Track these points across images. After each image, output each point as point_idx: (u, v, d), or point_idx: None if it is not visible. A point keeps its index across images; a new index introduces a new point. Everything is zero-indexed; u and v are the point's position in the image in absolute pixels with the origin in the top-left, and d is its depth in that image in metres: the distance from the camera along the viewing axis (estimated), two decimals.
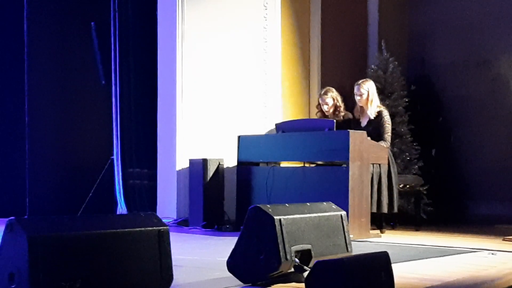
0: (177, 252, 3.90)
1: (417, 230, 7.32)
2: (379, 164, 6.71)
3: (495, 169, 8.46)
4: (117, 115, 8.37)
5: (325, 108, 7.45)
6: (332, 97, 7.44)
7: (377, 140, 6.83)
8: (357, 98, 7.12)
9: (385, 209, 6.75)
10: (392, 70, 8.35)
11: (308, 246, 3.66)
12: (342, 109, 7.47)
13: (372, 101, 7.08)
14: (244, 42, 7.88)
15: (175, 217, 7.55)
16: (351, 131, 6.37)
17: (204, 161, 7.20)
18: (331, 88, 7.56)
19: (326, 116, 7.45)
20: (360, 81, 7.18)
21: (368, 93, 7.07)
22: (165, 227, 3.25)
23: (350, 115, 7.45)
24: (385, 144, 6.89)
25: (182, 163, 7.55)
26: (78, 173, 8.45)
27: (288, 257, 3.48)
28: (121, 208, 8.28)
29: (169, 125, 7.69)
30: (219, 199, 7.30)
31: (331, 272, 2.89)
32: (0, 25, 8.34)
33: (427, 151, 8.54)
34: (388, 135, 6.98)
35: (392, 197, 6.85)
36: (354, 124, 7.20)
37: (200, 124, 7.65)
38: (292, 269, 3.56)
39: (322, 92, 7.55)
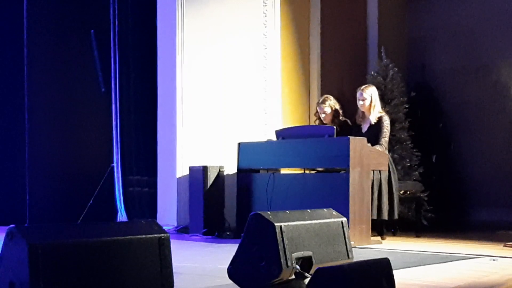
0: (178, 259, 3.89)
1: (418, 236, 7.30)
2: (380, 171, 6.71)
3: (496, 175, 8.46)
4: (117, 122, 8.38)
5: (322, 116, 7.45)
6: (330, 106, 7.43)
7: None
8: (360, 103, 7.12)
9: (385, 216, 6.74)
10: (392, 77, 8.35)
11: (309, 253, 3.65)
12: (341, 113, 7.47)
13: (374, 106, 7.09)
14: (244, 49, 7.89)
15: (175, 225, 7.55)
16: (351, 138, 6.36)
17: (205, 168, 7.20)
18: (329, 96, 7.55)
19: (324, 124, 7.43)
20: (363, 86, 7.20)
21: (371, 98, 7.08)
22: (165, 235, 3.25)
23: (348, 121, 7.45)
24: (380, 148, 6.87)
25: (182, 170, 7.54)
26: (78, 180, 8.44)
27: (289, 264, 3.47)
28: (122, 216, 8.27)
29: (169, 132, 7.69)
30: (219, 206, 7.29)
31: (332, 279, 2.88)
32: None
33: (428, 157, 8.54)
34: (385, 140, 6.97)
35: (393, 203, 6.84)
36: (355, 130, 7.20)
37: (200, 131, 7.65)
38: (293, 276, 3.55)
39: (320, 100, 7.54)
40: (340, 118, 7.45)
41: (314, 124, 7.79)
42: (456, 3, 8.98)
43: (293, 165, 7.00)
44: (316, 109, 7.60)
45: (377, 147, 6.84)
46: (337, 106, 7.47)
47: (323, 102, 7.47)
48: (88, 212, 8.06)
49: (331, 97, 7.52)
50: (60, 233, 2.93)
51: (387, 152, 6.99)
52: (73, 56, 8.60)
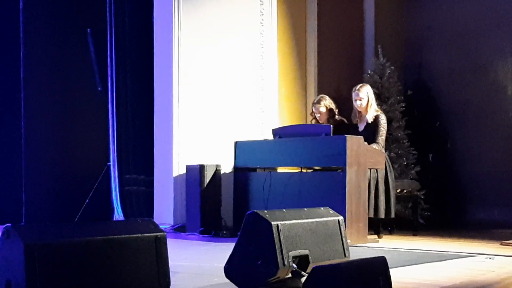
0: (175, 258, 3.89)
1: (414, 235, 7.31)
2: (376, 169, 6.71)
3: (492, 173, 8.46)
4: (114, 121, 8.37)
5: (318, 116, 7.45)
6: (325, 105, 7.43)
7: None
8: (357, 103, 7.10)
9: (382, 214, 6.75)
10: (388, 75, 8.36)
11: (306, 252, 3.65)
12: (336, 113, 7.47)
13: (371, 105, 7.09)
14: (241, 48, 7.89)
15: (172, 223, 7.54)
16: (348, 136, 6.36)
17: (201, 167, 7.19)
18: (324, 96, 7.55)
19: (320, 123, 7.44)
20: (358, 86, 7.18)
21: (368, 97, 7.08)
22: (162, 233, 3.24)
23: (345, 120, 7.45)
24: (377, 146, 6.88)
25: (179, 169, 7.54)
26: (75, 179, 8.43)
27: (286, 262, 3.47)
28: (118, 215, 8.26)
29: (166, 131, 7.68)
30: (216, 205, 7.29)
31: (328, 278, 2.88)
32: None
33: (424, 156, 8.55)
34: (381, 138, 6.98)
35: (389, 202, 6.85)
36: (352, 128, 7.20)
37: (197, 130, 7.64)
38: (290, 275, 3.55)
39: (315, 100, 7.55)
40: (336, 117, 7.45)
41: (311, 123, 7.79)
42: (453, 2, 8.98)
43: (290, 164, 7.00)
44: (312, 109, 7.61)
45: (374, 145, 6.84)
46: (332, 106, 7.47)
47: (318, 102, 7.47)
48: (85, 211, 8.05)
49: (327, 97, 7.52)
50: (56, 232, 2.93)
51: (383, 150, 6.99)
52: (69, 54, 8.58)
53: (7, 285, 2.80)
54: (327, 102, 7.45)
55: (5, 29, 8.37)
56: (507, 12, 8.52)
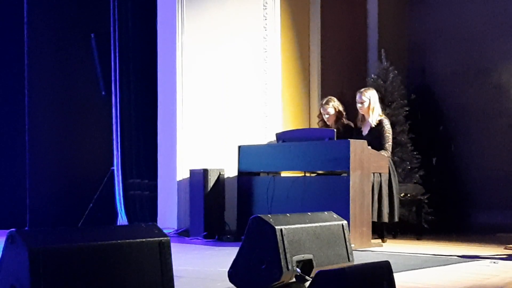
0: (178, 262, 3.89)
1: (418, 239, 7.30)
2: (380, 173, 6.71)
3: (496, 177, 8.45)
4: (118, 126, 8.38)
5: (326, 117, 7.45)
6: (334, 107, 7.43)
7: (378, 149, 6.83)
8: (358, 105, 7.13)
9: (386, 219, 6.75)
10: (392, 79, 8.36)
11: (310, 256, 3.65)
12: (344, 115, 7.47)
13: (373, 109, 7.09)
14: (244, 52, 7.90)
15: (176, 228, 7.54)
16: (351, 140, 6.37)
17: (205, 171, 7.19)
18: (332, 97, 7.55)
19: (327, 126, 7.44)
20: (363, 89, 7.21)
21: (369, 101, 7.08)
22: (166, 238, 3.24)
23: (351, 124, 7.45)
24: (386, 153, 6.89)
25: (182, 174, 7.54)
26: (79, 184, 8.45)
27: (290, 267, 3.47)
28: (122, 219, 8.27)
29: (170, 135, 7.69)
30: (220, 209, 7.28)
31: (332, 282, 2.88)
32: None
33: (428, 160, 8.54)
34: (389, 145, 6.99)
35: (393, 206, 6.84)
36: (356, 133, 7.20)
37: (200, 134, 7.65)
38: (294, 279, 3.55)
39: (324, 101, 7.54)
40: (343, 120, 7.44)
41: (315, 127, 7.79)
42: (456, 6, 8.98)
43: (294, 168, 7.00)
44: (320, 110, 7.60)
45: (383, 152, 6.86)
46: (341, 108, 7.46)
47: (327, 103, 7.46)
48: (89, 215, 8.07)
49: (335, 99, 7.51)
50: (60, 237, 2.93)
51: (390, 156, 7.01)
52: (73, 59, 8.61)
53: None
54: (336, 104, 7.44)
55: (10, 35, 8.39)
56: (510, 16, 8.51)
